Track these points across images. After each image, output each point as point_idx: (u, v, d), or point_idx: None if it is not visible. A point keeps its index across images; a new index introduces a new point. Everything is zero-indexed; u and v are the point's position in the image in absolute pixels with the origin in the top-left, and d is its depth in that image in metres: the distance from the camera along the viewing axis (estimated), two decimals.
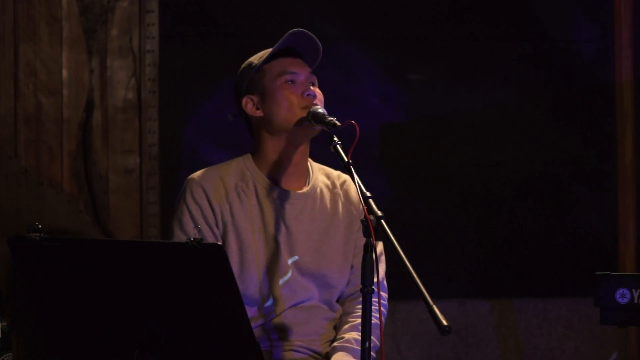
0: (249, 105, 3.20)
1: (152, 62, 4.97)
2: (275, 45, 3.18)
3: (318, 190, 3.24)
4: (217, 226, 3.16)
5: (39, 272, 2.66)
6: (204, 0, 5.10)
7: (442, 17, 5.28)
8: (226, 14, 5.11)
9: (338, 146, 2.93)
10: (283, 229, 3.17)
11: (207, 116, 5.06)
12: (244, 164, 3.22)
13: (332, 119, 3.03)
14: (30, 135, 4.89)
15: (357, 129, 2.86)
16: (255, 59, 3.23)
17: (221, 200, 3.16)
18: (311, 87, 3.17)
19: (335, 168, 3.32)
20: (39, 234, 2.58)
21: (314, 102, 3.14)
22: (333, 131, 2.98)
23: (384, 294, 3.26)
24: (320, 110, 3.09)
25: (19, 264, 2.65)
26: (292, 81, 3.16)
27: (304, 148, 3.21)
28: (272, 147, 3.19)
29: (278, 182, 3.20)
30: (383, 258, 3.25)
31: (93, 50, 4.94)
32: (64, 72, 4.92)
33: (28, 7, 4.89)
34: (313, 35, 3.19)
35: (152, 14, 4.97)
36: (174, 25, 5.05)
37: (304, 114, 3.13)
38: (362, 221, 2.70)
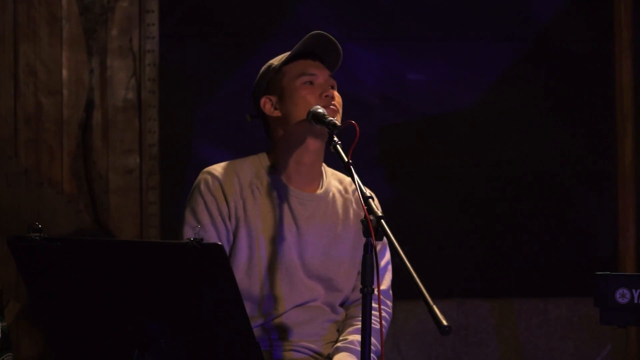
0: (267, 105, 3.21)
1: (152, 62, 4.97)
2: (296, 46, 3.18)
3: (331, 194, 3.24)
4: (229, 219, 3.16)
5: (39, 272, 2.66)
6: (204, 0, 5.10)
7: (442, 17, 5.28)
8: (226, 14, 5.11)
9: (338, 146, 2.93)
10: (294, 229, 3.17)
11: (207, 116, 5.06)
12: (259, 162, 3.23)
13: (332, 119, 3.03)
14: (30, 135, 4.89)
15: (357, 129, 2.86)
16: (276, 60, 3.23)
17: (235, 195, 3.16)
18: (330, 90, 3.18)
19: (336, 168, 3.32)
20: (39, 234, 2.58)
21: (332, 103, 3.15)
22: (333, 131, 2.98)
23: (389, 303, 3.26)
24: (320, 111, 3.09)
25: (19, 264, 2.64)
26: (310, 82, 3.17)
27: (319, 150, 3.20)
28: (288, 147, 3.20)
29: (292, 182, 3.20)
30: (390, 267, 3.25)
31: (93, 50, 4.94)
32: (64, 72, 4.92)
33: (28, 7, 4.89)
34: (334, 39, 3.19)
35: (152, 14, 4.97)
36: (174, 25, 5.05)
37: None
38: (362, 221, 2.71)
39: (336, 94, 3.19)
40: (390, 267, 3.25)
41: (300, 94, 3.15)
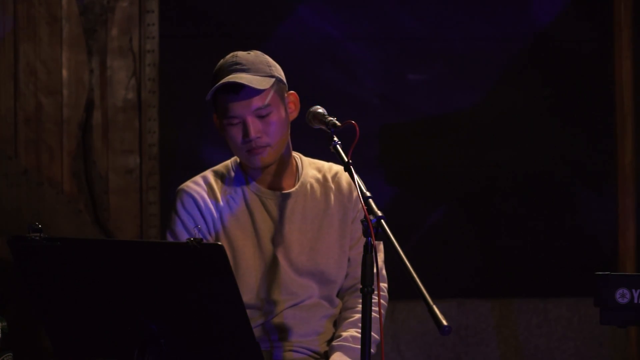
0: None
1: (152, 62, 4.97)
2: (209, 93, 3.13)
3: (308, 186, 3.22)
4: (209, 234, 3.16)
5: (39, 272, 2.66)
6: (204, 0, 5.10)
7: (442, 17, 5.28)
8: (226, 14, 5.11)
9: (338, 146, 2.92)
10: (275, 230, 3.16)
11: (207, 116, 5.05)
12: (231, 168, 3.22)
13: (332, 119, 3.02)
14: (30, 135, 4.89)
15: (357, 129, 2.86)
16: (214, 73, 3.18)
17: (211, 208, 3.16)
18: (253, 131, 3.09)
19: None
20: (39, 234, 2.58)
21: (254, 148, 3.09)
22: (333, 131, 2.98)
23: (384, 285, 3.25)
24: (320, 111, 3.08)
25: (19, 264, 2.65)
26: (233, 124, 3.13)
27: (283, 153, 3.19)
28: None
29: (266, 183, 3.19)
30: (381, 247, 3.23)
31: (93, 50, 4.94)
32: (64, 72, 4.92)
33: (28, 7, 4.89)
34: (242, 83, 3.07)
35: (152, 14, 4.97)
36: (174, 25, 5.05)
37: (249, 157, 3.11)
38: (362, 221, 2.70)
39: (270, 119, 3.09)
40: (381, 247, 3.22)
41: (228, 133, 3.13)
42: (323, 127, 3.04)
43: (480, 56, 5.30)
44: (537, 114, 5.34)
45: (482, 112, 5.31)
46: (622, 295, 3.05)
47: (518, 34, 5.33)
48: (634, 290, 3.04)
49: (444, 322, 2.48)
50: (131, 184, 4.95)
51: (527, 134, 5.34)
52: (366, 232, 2.68)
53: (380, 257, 3.23)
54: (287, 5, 5.14)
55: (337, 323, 3.23)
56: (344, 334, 3.17)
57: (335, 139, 2.95)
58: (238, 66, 3.11)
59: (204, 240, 2.54)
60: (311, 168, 3.27)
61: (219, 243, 2.64)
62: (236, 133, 3.11)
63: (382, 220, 2.68)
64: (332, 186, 3.24)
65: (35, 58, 4.90)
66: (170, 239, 3.16)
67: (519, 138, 5.33)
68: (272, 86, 3.11)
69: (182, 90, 5.07)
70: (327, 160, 3.31)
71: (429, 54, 5.28)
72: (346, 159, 2.88)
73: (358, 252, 3.16)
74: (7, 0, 4.88)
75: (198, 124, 5.07)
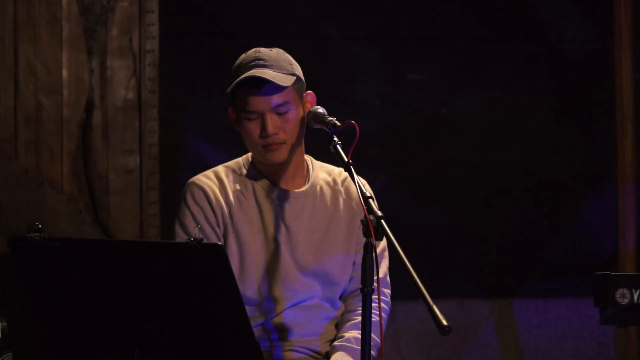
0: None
1: (152, 62, 4.97)
2: (231, 86, 3.12)
3: (318, 187, 3.24)
4: (218, 226, 3.17)
5: (39, 272, 2.66)
6: (204, 0, 5.10)
7: (442, 17, 5.28)
8: (226, 14, 5.11)
9: (338, 146, 2.93)
10: (283, 228, 3.17)
11: (207, 116, 5.06)
12: (242, 165, 3.23)
13: (332, 119, 3.02)
14: (30, 135, 4.89)
15: (357, 129, 2.86)
16: (235, 67, 3.17)
17: (221, 202, 3.17)
18: (270, 127, 3.12)
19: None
20: (39, 234, 2.58)
21: (270, 144, 3.10)
22: (333, 131, 2.98)
23: (387, 291, 3.26)
24: (320, 111, 3.09)
25: (19, 264, 2.65)
26: (251, 119, 3.13)
27: (297, 152, 3.20)
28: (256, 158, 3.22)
29: (276, 182, 3.20)
30: (386, 254, 3.24)
31: (93, 50, 4.94)
32: (64, 72, 4.92)
33: (28, 7, 4.89)
34: (266, 78, 3.07)
35: (152, 14, 4.97)
36: (174, 25, 5.05)
37: (264, 153, 3.12)
38: (362, 221, 2.71)
39: (287, 117, 3.11)
40: (386, 253, 3.24)
41: (245, 127, 3.13)
42: (323, 127, 3.05)
43: (480, 56, 5.30)
44: (537, 114, 5.35)
45: (482, 112, 5.31)
46: (622, 295, 3.05)
47: (518, 33, 5.33)
48: (633, 290, 3.05)
49: (444, 322, 2.48)
50: (131, 184, 4.96)
51: (527, 134, 5.34)
52: (366, 232, 2.68)
53: (385, 263, 3.25)
54: (287, 5, 5.14)
55: (339, 325, 3.25)
56: (347, 334, 3.18)
57: (335, 139, 2.95)
58: (260, 61, 3.12)
59: (204, 240, 2.54)
60: (322, 171, 3.28)
61: (219, 243, 2.63)
62: (253, 128, 3.12)
63: (382, 220, 2.68)
64: (342, 190, 3.26)
65: (35, 58, 4.90)
66: (179, 230, 3.17)
67: (519, 138, 5.33)
68: (292, 84, 3.12)
69: (182, 90, 5.07)
70: (327, 160, 3.31)
71: (429, 54, 5.28)
72: (346, 159, 2.88)
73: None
74: (7, 0, 4.88)
75: (198, 124, 5.07)
